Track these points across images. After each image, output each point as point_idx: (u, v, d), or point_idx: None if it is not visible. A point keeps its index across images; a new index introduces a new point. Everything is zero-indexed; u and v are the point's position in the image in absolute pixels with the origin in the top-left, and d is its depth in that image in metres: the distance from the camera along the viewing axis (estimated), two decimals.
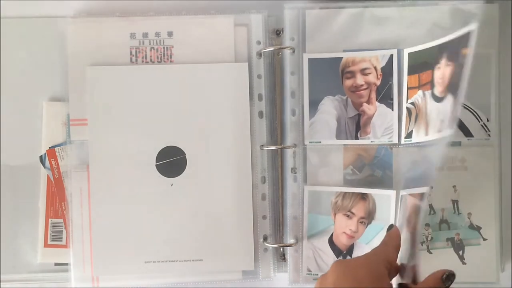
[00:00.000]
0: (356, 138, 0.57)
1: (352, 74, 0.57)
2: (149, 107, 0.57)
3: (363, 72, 0.56)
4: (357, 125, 0.57)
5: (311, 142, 0.58)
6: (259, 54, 0.59)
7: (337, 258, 0.57)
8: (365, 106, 0.57)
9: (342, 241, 0.57)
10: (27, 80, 0.59)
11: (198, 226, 0.57)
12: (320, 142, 0.57)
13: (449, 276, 0.41)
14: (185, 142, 0.58)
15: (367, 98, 0.57)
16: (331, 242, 0.57)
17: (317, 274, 0.58)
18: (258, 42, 0.59)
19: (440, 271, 0.41)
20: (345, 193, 0.57)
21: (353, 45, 0.57)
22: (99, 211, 0.57)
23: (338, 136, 0.57)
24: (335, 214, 0.57)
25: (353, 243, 0.57)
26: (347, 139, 0.57)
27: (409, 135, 0.56)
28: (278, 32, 0.59)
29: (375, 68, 0.56)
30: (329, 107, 0.57)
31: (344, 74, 0.57)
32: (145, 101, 0.57)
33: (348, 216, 0.57)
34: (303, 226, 0.58)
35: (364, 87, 0.56)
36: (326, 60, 0.57)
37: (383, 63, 0.56)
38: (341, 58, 0.57)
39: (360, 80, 0.56)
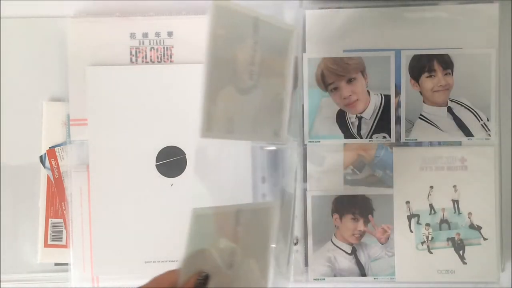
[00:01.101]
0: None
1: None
2: (149, 107, 0.57)
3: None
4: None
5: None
6: None
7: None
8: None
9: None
10: (27, 80, 0.59)
11: None
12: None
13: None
14: (185, 142, 0.58)
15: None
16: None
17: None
18: None
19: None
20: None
21: (352, 45, 0.57)
22: (99, 211, 0.57)
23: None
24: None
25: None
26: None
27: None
28: None
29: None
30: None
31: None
32: (145, 101, 0.57)
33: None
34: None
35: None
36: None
37: None
38: None
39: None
